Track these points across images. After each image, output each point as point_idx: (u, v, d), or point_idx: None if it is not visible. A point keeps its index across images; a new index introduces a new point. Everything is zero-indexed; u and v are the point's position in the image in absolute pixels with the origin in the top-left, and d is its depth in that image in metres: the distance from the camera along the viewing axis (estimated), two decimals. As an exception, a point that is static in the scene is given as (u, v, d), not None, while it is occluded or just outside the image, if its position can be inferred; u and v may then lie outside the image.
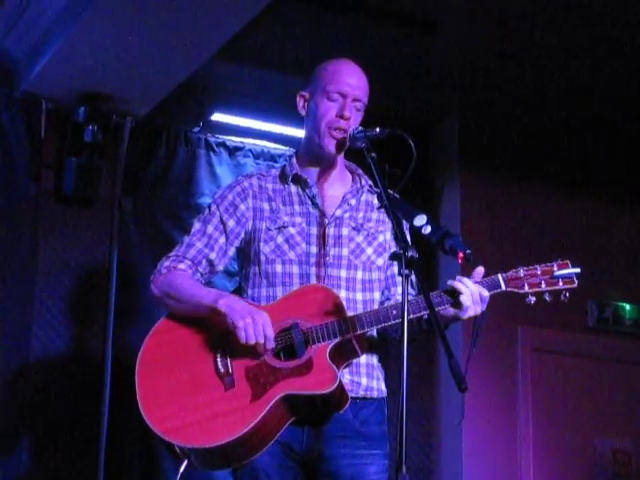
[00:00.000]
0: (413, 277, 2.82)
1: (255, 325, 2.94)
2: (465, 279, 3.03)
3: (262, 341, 2.95)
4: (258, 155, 5.53)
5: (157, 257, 3.32)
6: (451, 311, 3.04)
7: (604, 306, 6.07)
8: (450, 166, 5.99)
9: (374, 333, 3.19)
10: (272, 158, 5.53)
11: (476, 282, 3.05)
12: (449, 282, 3.04)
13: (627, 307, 6.13)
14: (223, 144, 5.49)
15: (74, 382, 4.92)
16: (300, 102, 3.31)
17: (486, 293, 3.03)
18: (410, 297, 2.96)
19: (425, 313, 3.02)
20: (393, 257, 2.81)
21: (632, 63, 5.32)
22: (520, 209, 6.01)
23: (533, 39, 5.12)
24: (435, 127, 6.06)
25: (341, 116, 3.18)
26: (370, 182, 3.31)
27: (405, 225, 3.08)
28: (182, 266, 3.20)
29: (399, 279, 3.21)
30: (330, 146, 3.20)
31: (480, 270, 3.07)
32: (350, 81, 3.22)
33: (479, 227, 5.81)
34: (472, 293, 3.00)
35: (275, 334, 3.00)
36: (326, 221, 3.21)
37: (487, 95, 5.67)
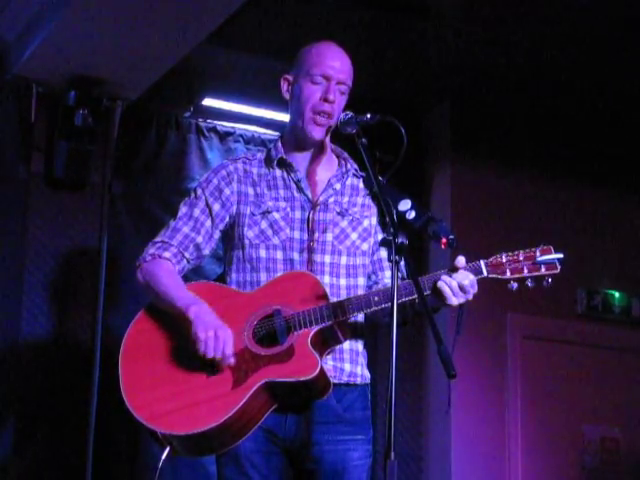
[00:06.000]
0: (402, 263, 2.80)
1: (216, 340, 2.92)
2: (447, 277, 2.97)
3: (219, 357, 2.93)
4: (249, 140, 5.53)
5: (147, 241, 3.30)
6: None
7: (593, 293, 6.09)
8: (441, 153, 5.99)
9: (360, 319, 3.18)
10: (263, 143, 5.51)
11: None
12: (438, 284, 2.98)
13: (616, 295, 6.15)
14: (214, 129, 5.49)
15: (63, 366, 4.93)
16: (284, 85, 3.28)
17: (467, 282, 2.97)
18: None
19: (411, 298, 2.99)
20: (383, 243, 2.79)
21: (628, 52, 5.32)
22: (511, 196, 6.02)
23: (526, 26, 5.11)
24: (427, 114, 6.05)
25: (325, 99, 3.15)
26: (356, 166, 3.29)
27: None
28: (167, 254, 3.18)
29: (386, 264, 3.20)
30: (315, 132, 3.18)
31: (461, 260, 3.02)
32: (334, 64, 3.19)
33: (470, 213, 5.82)
34: (452, 288, 2.96)
35: (257, 321, 3.00)
36: (311, 206, 3.19)
37: (479, 82, 5.66)
